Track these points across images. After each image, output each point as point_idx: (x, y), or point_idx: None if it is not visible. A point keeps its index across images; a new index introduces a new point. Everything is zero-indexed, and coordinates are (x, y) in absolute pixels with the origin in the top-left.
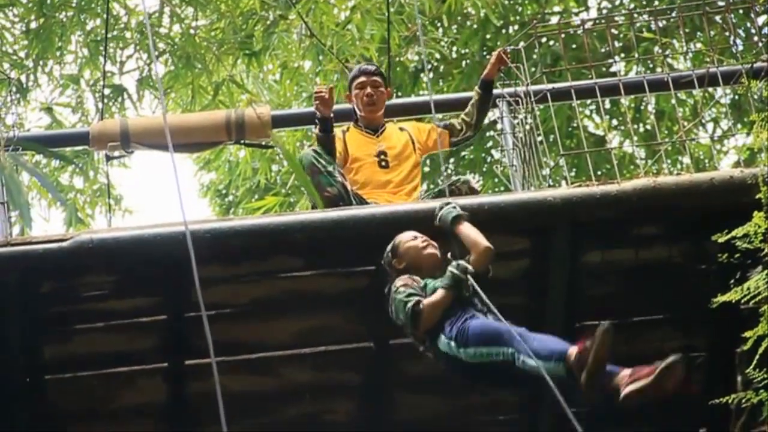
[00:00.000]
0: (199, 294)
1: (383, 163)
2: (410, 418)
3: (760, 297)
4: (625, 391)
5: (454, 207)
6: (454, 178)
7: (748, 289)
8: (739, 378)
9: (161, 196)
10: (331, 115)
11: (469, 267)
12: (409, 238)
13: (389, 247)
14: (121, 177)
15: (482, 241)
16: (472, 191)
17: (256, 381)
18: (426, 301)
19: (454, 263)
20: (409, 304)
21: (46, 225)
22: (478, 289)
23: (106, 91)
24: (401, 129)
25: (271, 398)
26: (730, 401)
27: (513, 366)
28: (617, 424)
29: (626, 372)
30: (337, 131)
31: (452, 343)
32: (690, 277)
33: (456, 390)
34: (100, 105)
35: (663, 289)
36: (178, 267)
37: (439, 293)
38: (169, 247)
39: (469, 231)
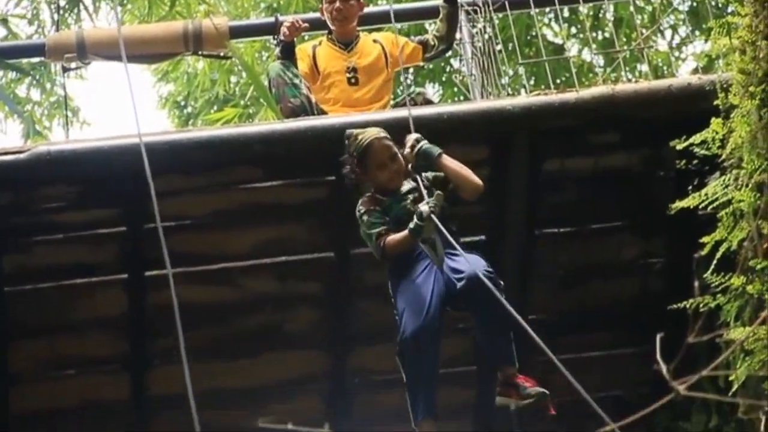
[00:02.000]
0: (155, 206)
1: (353, 80)
2: (371, 327)
3: (717, 202)
4: (498, 401)
5: (427, 141)
6: (410, 90)
7: (706, 194)
8: (696, 283)
9: (119, 108)
10: (294, 40)
11: (434, 210)
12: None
13: (352, 149)
14: (78, 89)
15: (474, 178)
16: (427, 103)
17: (216, 292)
18: (390, 239)
19: (419, 210)
20: (374, 240)
21: (4, 138)
22: (443, 229)
23: (62, 2)
24: (374, 41)
25: (232, 309)
26: (687, 306)
27: None
28: (573, 332)
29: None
30: (307, 47)
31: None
32: (648, 183)
33: None
34: (55, 16)
35: (622, 196)
36: (138, 178)
37: (405, 235)
38: (127, 159)
39: (455, 166)
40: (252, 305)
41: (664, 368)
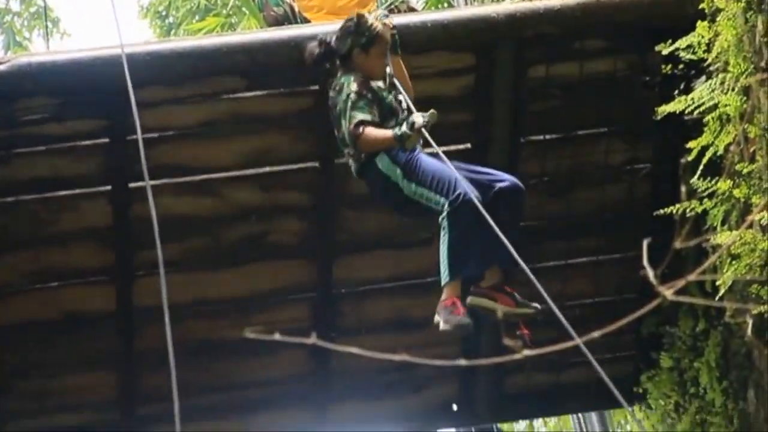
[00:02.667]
0: (136, 117)
1: None
2: (357, 236)
3: (703, 107)
4: (476, 301)
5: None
6: None
7: (692, 99)
8: (683, 188)
9: (100, 18)
10: None
11: (426, 125)
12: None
13: (352, 28)
14: None
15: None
16: (411, 10)
17: (201, 203)
18: (371, 131)
19: (410, 120)
20: (353, 122)
21: None
22: (429, 138)
23: None
24: None
25: (216, 220)
26: (674, 212)
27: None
28: (560, 239)
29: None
30: None
31: (398, 170)
32: (634, 89)
33: None
34: None
35: (607, 102)
36: (120, 90)
37: (387, 136)
38: (109, 70)
39: (401, 65)
40: (237, 216)
41: (651, 273)
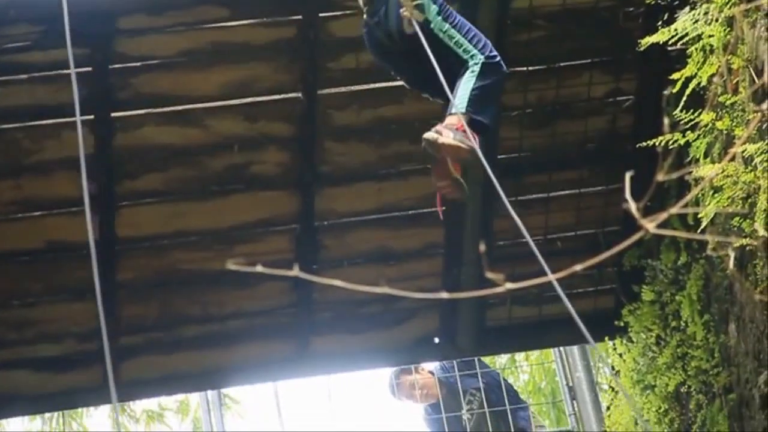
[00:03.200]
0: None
1: None
2: (340, 168)
3: (687, 38)
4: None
5: None
6: None
7: (676, 30)
8: (666, 120)
9: None
10: None
11: None
12: None
13: None
14: None
15: None
16: None
17: (184, 133)
18: None
19: None
20: None
21: None
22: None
23: None
24: None
25: (199, 150)
26: (657, 144)
27: (458, 71)
28: (543, 171)
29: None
30: None
31: (433, 6)
32: (618, 19)
33: (383, 139)
34: None
35: (591, 33)
36: (102, 17)
37: None
38: None
39: None
40: (220, 146)
41: (633, 206)
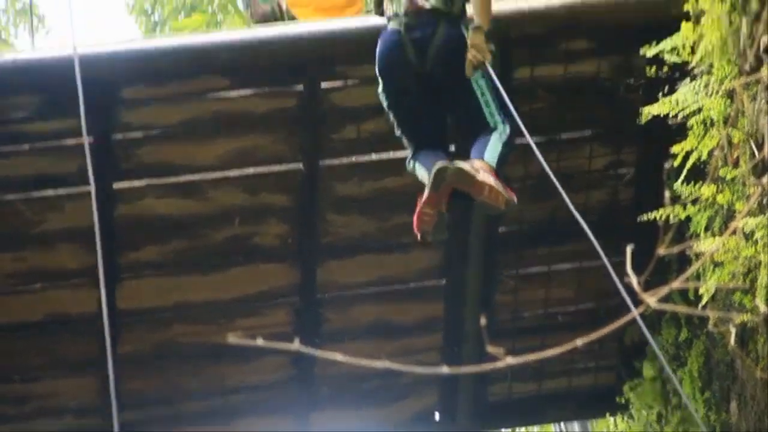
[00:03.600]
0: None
1: None
2: (341, 240)
3: (687, 110)
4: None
5: None
6: None
7: (676, 102)
8: (666, 193)
9: (86, 15)
10: None
11: None
12: None
13: None
14: None
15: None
16: None
17: (185, 204)
18: None
19: None
20: None
21: None
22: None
23: None
24: None
25: (200, 221)
26: (658, 217)
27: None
28: (543, 244)
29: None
30: None
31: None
32: (619, 91)
33: (384, 211)
34: None
35: (592, 104)
36: (105, 88)
37: None
38: (94, 68)
39: None
40: (221, 218)
41: (634, 280)
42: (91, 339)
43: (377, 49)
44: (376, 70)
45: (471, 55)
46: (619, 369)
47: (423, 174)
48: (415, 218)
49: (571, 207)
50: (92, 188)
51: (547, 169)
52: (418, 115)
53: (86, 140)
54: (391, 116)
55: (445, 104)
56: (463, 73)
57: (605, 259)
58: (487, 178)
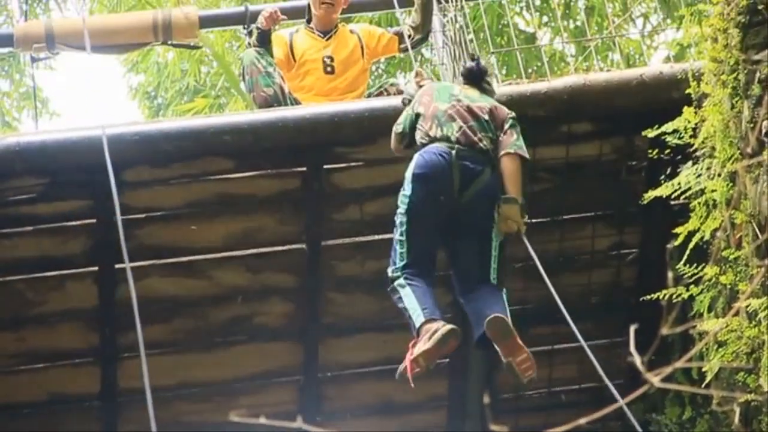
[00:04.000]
0: (115, 197)
1: (329, 69)
2: (343, 319)
3: (690, 192)
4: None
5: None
6: (383, 80)
7: (679, 184)
8: (670, 274)
9: (89, 99)
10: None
11: None
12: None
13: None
14: (47, 79)
15: None
16: (400, 93)
17: (187, 284)
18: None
19: None
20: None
21: None
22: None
23: None
24: (351, 32)
25: (203, 301)
26: (661, 297)
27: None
28: (546, 324)
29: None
30: (284, 34)
31: None
32: (621, 173)
33: (384, 291)
34: (24, 6)
35: (594, 186)
36: (107, 170)
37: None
38: (96, 151)
39: None
40: (223, 297)
41: (638, 360)
42: (92, 418)
43: (420, 157)
44: (412, 173)
45: (507, 224)
46: None
47: (411, 306)
48: (408, 363)
49: (552, 289)
50: (128, 265)
51: (533, 253)
52: (426, 235)
53: (119, 218)
54: (401, 222)
55: (452, 237)
56: (487, 221)
57: (584, 343)
58: (521, 345)
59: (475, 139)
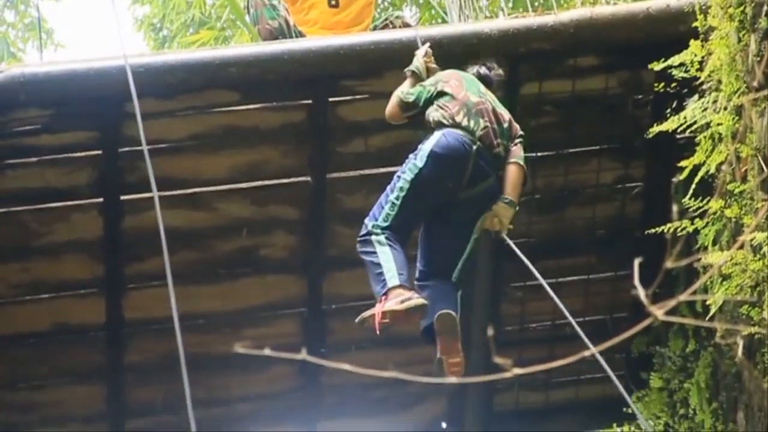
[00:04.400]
0: (140, 127)
1: (333, 2)
2: (348, 252)
3: (695, 126)
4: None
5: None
6: (388, 12)
7: (684, 118)
8: (674, 207)
9: (94, 29)
10: None
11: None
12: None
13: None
14: (52, 10)
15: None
16: (406, 26)
17: (192, 216)
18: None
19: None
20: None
21: None
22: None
23: None
24: None
25: (207, 233)
26: (665, 231)
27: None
28: (551, 257)
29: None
30: None
31: None
32: (627, 107)
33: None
34: None
35: (600, 119)
36: (113, 101)
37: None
38: (103, 82)
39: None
40: (228, 230)
41: (642, 293)
42: (98, 348)
43: (443, 138)
44: (431, 149)
45: (493, 221)
46: (626, 380)
47: (386, 264)
48: (378, 314)
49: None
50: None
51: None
52: (417, 210)
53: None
54: (401, 187)
55: (434, 223)
56: (472, 223)
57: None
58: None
59: (495, 142)
